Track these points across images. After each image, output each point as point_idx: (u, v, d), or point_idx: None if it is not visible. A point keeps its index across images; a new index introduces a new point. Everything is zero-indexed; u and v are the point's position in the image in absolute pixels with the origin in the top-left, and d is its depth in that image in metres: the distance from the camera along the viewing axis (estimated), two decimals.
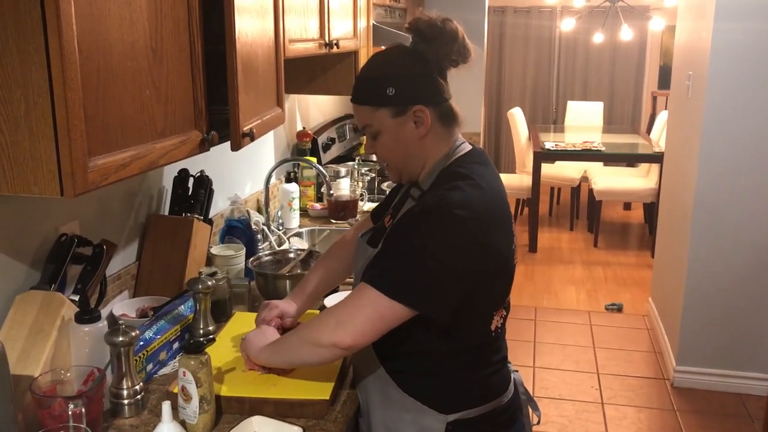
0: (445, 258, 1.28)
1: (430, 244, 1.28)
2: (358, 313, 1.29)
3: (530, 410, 1.60)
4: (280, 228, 2.69)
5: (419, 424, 1.39)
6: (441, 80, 1.39)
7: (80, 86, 1.05)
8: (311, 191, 3.07)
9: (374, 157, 3.85)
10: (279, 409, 1.43)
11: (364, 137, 1.46)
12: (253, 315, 1.87)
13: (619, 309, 4.59)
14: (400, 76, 1.36)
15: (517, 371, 1.58)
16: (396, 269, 1.29)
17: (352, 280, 1.84)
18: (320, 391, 1.46)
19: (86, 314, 1.41)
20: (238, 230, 2.28)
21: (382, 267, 1.32)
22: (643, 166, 6.31)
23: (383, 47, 1.48)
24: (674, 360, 3.62)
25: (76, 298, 1.51)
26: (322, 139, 3.37)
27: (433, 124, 1.38)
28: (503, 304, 1.44)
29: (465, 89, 5.42)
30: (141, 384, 1.46)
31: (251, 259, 2.10)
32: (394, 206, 1.55)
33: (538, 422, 1.61)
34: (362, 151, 4.00)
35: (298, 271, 2.07)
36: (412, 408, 1.39)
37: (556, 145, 5.89)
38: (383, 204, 1.68)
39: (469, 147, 1.45)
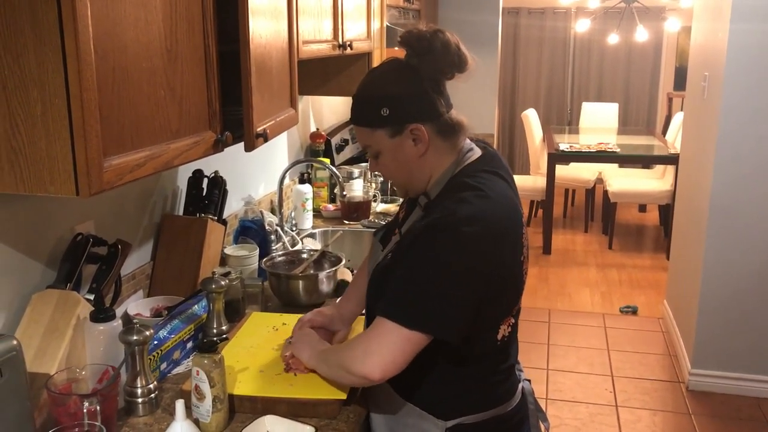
0: (456, 281, 1.26)
1: (441, 267, 1.25)
2: (384, 346, 1.26)
3: (539, 421, 1.57)
4: (294, 229, 2.70)
5: (419, 428, 1.39)
6: (436, 94, 1.34)
7: (96, 87, 1.06)
8: (324, 192, 3.08)
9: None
10: (292, 409, 1.43)
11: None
12: (268, 315, 1.89)
13: (634, 312, 4.56)
14: (393, 95, 1.34)
15: (528, 380, 1.56)
16: (409, 297, 1.27)
17: None
18: (337, 390, 1.46)
19: (101, 313, 1.42)
20: (252, 231, 2.29)
21: (395, 296, 1.29)
22: (659, 167, 6.27)
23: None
24: (689, 363, 3.59)
25: (92, 297, 1.53)
26: (335, 141, 3.38)
27: (433, 139, 1.35)
28: (511, 314, 1.41)
29: (479, 91, 5.42)
30: (155, 383, 1.47)
31: (264, 260, 2.11)
32: (405, 214, 1.53)
33: None
34: None
35: (311, 271, 2.07)
36: (412, 413, 1.39)
37: (570, 146, 5.86)
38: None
39: (479, 152, 1.42)
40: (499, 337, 1.39)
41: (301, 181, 2.99)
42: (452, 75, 1.36)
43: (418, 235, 1.31)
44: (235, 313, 1.90)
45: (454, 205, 1.29)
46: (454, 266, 1.26)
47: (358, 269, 1.80)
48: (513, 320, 1.43)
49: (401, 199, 1.79)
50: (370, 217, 2.91)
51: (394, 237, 1.48)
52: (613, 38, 6.92)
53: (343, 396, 1.44)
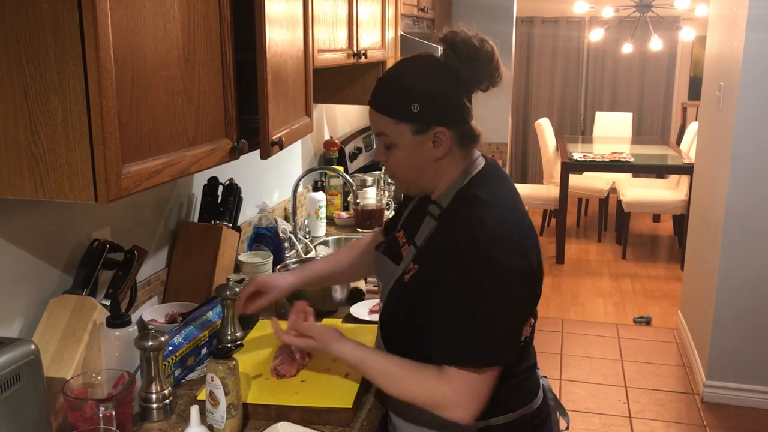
0: (507, 306, 1.28)
1: (490, 298, 1.26)
2: (469, 399, 1.28)
3: (559, 416, 1.59)
4: (307, 236, 2.71)
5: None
6: (467, 102, 1.34)
7: (115, 94, 1.08)
8: (338, 200, 3.08)
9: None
10: (305, 416, 1.44)
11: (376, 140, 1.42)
12: (279, 323, 1.88)
13: (648, 322, 4.53)
14: (428, 93, 1.30)
15: (545, 377, 1.57)
16: (471, 338, 1.26)
17: (373, 286, 1.83)
18: (343, 399, 1.47)
19: (117, 319, 1.43)
20: (266, 238, 2.30)
21: (457, 340, 1.27)
22: (673, 177, 6.24)
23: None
24: (704, 374, 3.56)
25: (108, 302, 1.53)
26: (349, 149, 3.39)
27: (452, 145, 1.34)
28: (532, 314, 1.43)
29: (492, 99, 5.39)
30: (169, 388, 1.48)
31: (278, 267, 2.11)
32: (407, 220, 1.51)
33: (567, 428, 1.60)
34: None
35: None
36: (439, 417, 1.37)
37: (584, 155, 5.84)
38: (395, 217, 1.66)
39: (483, 162, 1.41)
40: (522, 338, 1.40)
41: (315, 189, 3.00)
42: (487, 87, 1.34)
43: (452, 267, 1.27)
44: (248, 320, 1.90)
45: (478, 226, 1.27)
46: (500, 294, 1.26)
47: (338, 251, 1.80)
48: (533, 320, 1.44)
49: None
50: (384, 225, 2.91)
51: (409, 248, 1.43)
52: (627, 47, 6.90)
53: (349, 405, 1.45)
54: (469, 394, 1.28)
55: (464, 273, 1.27)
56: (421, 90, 1.30)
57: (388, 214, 3.08)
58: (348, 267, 1.78)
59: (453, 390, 1.28)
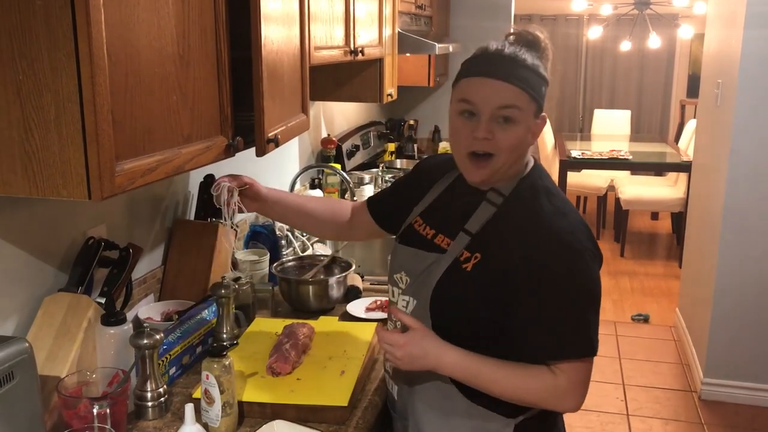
0: (600, 292, 1.32)
1: (593, 289, 1.30)
2: (579, 382, 1.31)
3: None
4: (304, 234, 2.70)
5: (485, 430, 1.36)
6: None
7: (109, 91, 1.07)
8: (335, 197, 3.08)
9: (449, 149, 3.87)
10: (301, 414, 1.43)
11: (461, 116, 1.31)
12: (275, 321, 1.88)
13: (646, 320, 4.54)
14: (546, 78, 1.36)
15: None
16: (584, 332, 1.30)
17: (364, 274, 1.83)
18: (338, 397, 1.46)
19: (112, 317, 1.43)
20: (263, 236, 2.29)
21: (569, 336, 1.29)
22: (671, 175, 6.23)
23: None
24: (702, 372, 3.56)
25: (103, 300, 1.53)
26: (346, 146, 3.39)
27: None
28: None
29: None
30: (164, 387, 1.47)
31: (275, 265, 2.11)
32: (433, 209, 1.45)
33: None
34: (386, 158, 4.00)
35: (322, 276, 2.07)
36: (476, 415, 1.36)
37: (582, 153, 5.84)
38: (389, 200, 1.66)
39: (531, 157, 1.43)
40: None
41: (312, 187, 2.99)
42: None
43: (551, 259, 1.27)
44: (245, 318, 1.90)
45: (563, 217, 1.31)
46: (596, 280, 1.30)
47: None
48: None
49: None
50: None
51: (458, 235, 1.35)
52: (625, 45, 6.90)
53: (344, 403, 1.44)
54: (582, 382, 1.31)
55: (566, 265, 1.27)
56: (544, 74, 1.35)
57: None
58: (319, 217, 1.77)
59: (570, 381, 1.30)
